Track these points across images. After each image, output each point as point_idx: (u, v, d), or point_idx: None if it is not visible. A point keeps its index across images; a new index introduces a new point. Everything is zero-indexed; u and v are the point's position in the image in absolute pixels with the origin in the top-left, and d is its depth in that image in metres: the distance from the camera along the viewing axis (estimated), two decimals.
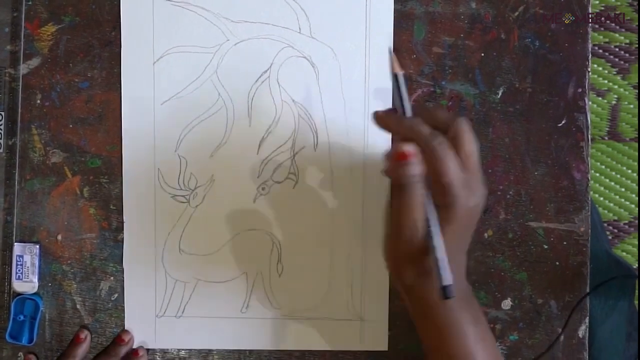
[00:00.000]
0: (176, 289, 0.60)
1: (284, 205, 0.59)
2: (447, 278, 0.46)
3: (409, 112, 0.48)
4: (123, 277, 0.59)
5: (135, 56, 0.58)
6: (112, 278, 0.60)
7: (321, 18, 0.58)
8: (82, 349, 0.59)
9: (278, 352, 0.60)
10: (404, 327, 0.59)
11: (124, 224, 0.59)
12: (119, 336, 0.59)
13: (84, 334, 0.59)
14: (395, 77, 0.49)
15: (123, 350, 0.59)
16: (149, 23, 0.58)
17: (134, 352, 0.59)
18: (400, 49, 0.59)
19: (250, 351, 0.60)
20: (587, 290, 0.59)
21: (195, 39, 0.58)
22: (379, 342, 0.60)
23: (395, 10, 0.58)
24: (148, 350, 0.60)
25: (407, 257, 0.49)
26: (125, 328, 0.60)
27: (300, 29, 0.58)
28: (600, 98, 1.27)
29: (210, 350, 0.60)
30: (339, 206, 0.59)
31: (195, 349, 0.60)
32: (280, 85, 0.58)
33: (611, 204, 1.28)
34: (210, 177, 0.59)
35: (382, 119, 0.49)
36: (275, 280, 0.59)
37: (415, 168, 0.46)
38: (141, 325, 0.60)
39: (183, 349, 0.60)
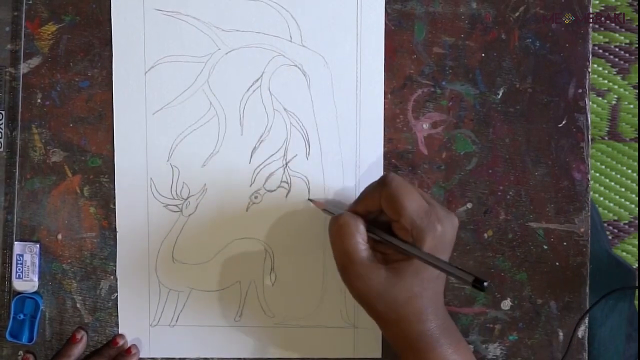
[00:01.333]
0: (170, 298, 0.60)
1: (276, 213, 0.59)
2: (467, 278, 0.47)
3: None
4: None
5: (127, 66, 0.58)
6: (112, 277, 0.59)
7: (312, 26, 0.58)
8: (78, 349, 0.59)
9: (292, 359, 0.60)
10: None
11: (117, 233, 0.59)
12: (114, 339, 0.59)
13: (80, 334, 0.59)
14: (326, 210, 0.56)
15: (115, 352, 0.59)
16: (140, 33, 0.58)
17: (126, 351, 0.59)
18: (400, 49, 0.59)
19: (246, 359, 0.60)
20: (587, 291, 0.59)
21: (186, 48, 0.58)
22: (373, 349, 0.60)
23: (396, 10, 0.58)
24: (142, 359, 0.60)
25: (366, 289, 0.51)
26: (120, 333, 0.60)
27: (291, 37, 0.58)
28: (600, 98, 1.27)
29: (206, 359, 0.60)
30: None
31: (193, 359, 0.60)
32: (272, 93, 0.58)
33: (611, 204, 1.28)
34: (203, 186, 0.59)
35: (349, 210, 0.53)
36: (268, 288, 0.59)
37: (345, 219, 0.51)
38: (135, 334, 0.60)
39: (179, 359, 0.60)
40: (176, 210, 0.59)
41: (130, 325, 0.60)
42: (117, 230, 0.59)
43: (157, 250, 0.59)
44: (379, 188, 0.51)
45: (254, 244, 0.59)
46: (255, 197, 0.59)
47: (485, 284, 0.46)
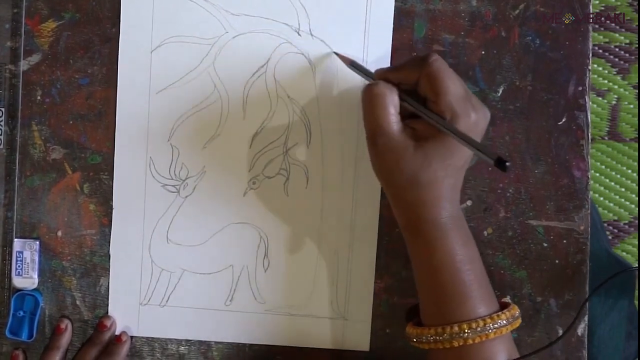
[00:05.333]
0: (161, 278, 0.60)
1: (273, 200, 0.59)
2: (489, 158, 0.46)
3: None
4: None
5: (134, 43, 0.58)
6: None
7: (321, 16, 0.58)
8: (65, 339, 0.59)
9: (280, 347, 0.60)
10: (394, 325, 0.59)
11: (113, 209, 0.59)
12: (101, 322, 0.59)
13: (64, 324, 0.59)
14: (353, 65, 0.56)
15: (107, 336, 0.59)
16: (149, 10, 0.58)
17: (117, 338, 0.59)
18: (400, 47, 0.59)
19: (250, 345, 0.60)
20: (587, 289, 0.59)
21: (194, 29, 0.58)
22: (361, 342, 0.60)
23: (396, 8, 0.58)
24: (132, 337, 0.60)
25: (392, 162, 0.51)
26: (108, 314, 0.60)
27: (299, 25, 0.58)
28: (600, 98, 1.27)
29: (209, 346, 0.60)
30: (329, 204, 0.59)
31: (195, 345, 0.60)
32: (277, 80, 0.58)
33: (611, 204, 1.28)
34: (202, 168, 0.59)
35: (381, 75, 0.53)
36: (260, 274, 0.60)
37: (381, 86, 0.51)
38: (125, 312, 0.60)
39: (183, 345, 0.60)
40: (174, 190, 0.59)
41: (121, 302, 0.59)
42: (113, 206, 0.59)
43: (152, 230, 0.59)
44: (421, 64, 0.50)
45: (249, 229, 0.59)
46: (254, 183, 0.59)
47: (508, 164, 0.45)
